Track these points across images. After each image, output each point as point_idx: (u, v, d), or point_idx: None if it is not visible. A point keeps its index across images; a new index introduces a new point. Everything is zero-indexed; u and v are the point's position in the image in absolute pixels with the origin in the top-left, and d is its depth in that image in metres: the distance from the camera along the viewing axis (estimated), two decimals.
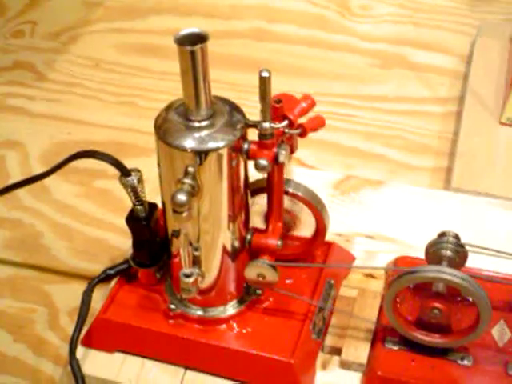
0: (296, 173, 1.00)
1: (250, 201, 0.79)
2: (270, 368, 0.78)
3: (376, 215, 0.96)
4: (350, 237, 0.93)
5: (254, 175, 0.76)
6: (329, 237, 0.90)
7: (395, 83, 1.21)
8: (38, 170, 0.84)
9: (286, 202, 0.81)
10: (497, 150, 1.04)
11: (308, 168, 1.07)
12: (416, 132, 1.13)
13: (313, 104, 0.73)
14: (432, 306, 0.75)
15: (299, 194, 0.79)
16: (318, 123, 0.75)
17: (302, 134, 0.74)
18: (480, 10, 1.32)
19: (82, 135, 1.14)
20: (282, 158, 0.71)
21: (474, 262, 0.82)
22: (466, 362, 0.77)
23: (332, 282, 0.84)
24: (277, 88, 1.16)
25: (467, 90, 1.14)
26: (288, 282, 0.84)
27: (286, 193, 0.79)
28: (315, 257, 0.86)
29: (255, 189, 0.79)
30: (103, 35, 1.33)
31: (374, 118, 1.16)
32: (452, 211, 0.96)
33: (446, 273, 0.72)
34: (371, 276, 0.87)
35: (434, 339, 0.76)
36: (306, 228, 0.85)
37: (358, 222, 0.95)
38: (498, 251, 0.80)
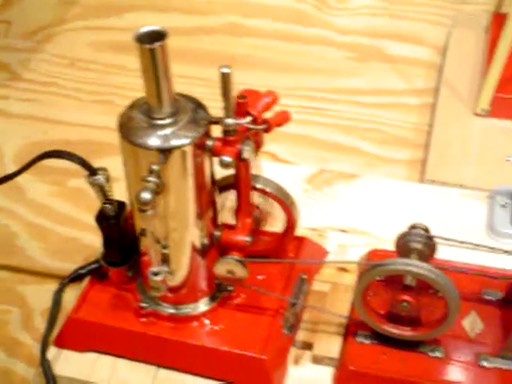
0: (269, 168, 0.99)
1: (221, 197, 0.79)
2: (242, 364, 0.77)
3: (350, 209, 0.96)
4: (323, 231, 0.93)
5: (223, 172, 0.75)
6: (302, 231, 0.90)
7: (371, 76, 1.21)
8: (13, 170, 0.83)
9: (257, 197, 0.81)
10: (471, 141, 1.04)
11: (283, 163, 1.07)
12: (392, 124, 1.13)
13: (275, 99, 0.72)
14: (401, 298, 0.75)
15: (268, 189, 0.79)
16: (283, 118, 0.75)
17: (267, 130, 0.74)
18: (456, 1, 1.32)
19: (58, 135, 1.14)
20: (245, 154, 0.71)
21: (445, 253, 0.82)
22: (437, 354, 0.77)
23: (304, 276, 0.84)
24: (252, 83, 1.16)
25: (442, 82, 1.14)
26: (260, 277, 0.84)
27: (255, 189, 0.79)
28: (287, 252, 0.85)
29: (224, 185, 0.79)
30: (79, 33, 1.32)
31: (351, 111, 1.16)
32: (426, 203, 0.96)
33: (414, 265, 0.72)
34: (344, 270, 0.87)
35: (404, 332, 0.76)
36: (277, 223, 0.84)
37: (331, 216, 0.95)
38: (468, 242, 0.79)
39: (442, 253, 0.82)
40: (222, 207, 0.83)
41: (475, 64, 1.15)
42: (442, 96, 1.11)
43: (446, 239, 0.78)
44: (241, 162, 0.72)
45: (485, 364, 0.76)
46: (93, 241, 0.96)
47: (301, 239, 0.87)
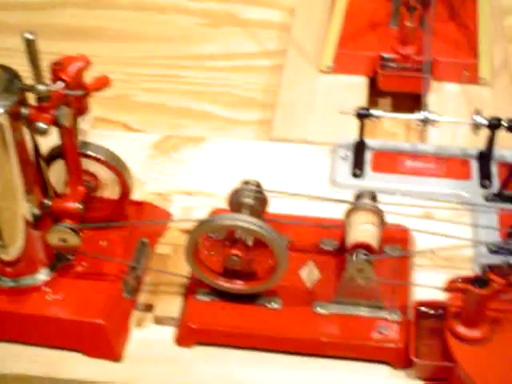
0: (116, 137, 1.00)
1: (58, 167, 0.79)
2: (83, 331, 0.78)
3: (196, 172, 0.96)
4: (168, 195, 0.93)
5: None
6: (147, 197, 0.91)
7: (224, 41, 1.22)
8: None
9: (94, 165, 0.81)
10: (316, 98, 1.06)
11: (134, 132, 1.07)
12: (244, 87, 1.14)
13: (88, 63, 0.72)
14: (230, 253, 0.76)
15: (99, 156, 0.79)
16: (102, 83, 0.75)
17: (86, 95, 0.74)
18: None
19: None
20: (62, 120, 0.71)
21: (287, 207, 0.84)
22: (274, 305, 0.79)
23: (145, 240, 0.85)
24: (105, 55, 1.16)
25: (290, 42, 1.15)
26: (102, 244, 0.84)
27: (86, 156, 0.79)
28: (128, 217, 0.85)
29: (53, 155, 0.79)
30: None
31: (203, 76, 1.16)
32: (272, 161, 0.98)
33: (239, 219, 0.73)
34: (187, 232, 0.87)
35: (238, 286, 0.78)
36: (114, 190, 0.85)
37: (177, 180, 0.95)
38: (299, 194, 0.81)
39: (284, 207, 0.85)
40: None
41: (322, 23, 1.17)
42: (290, 56, 1.13)
43: (277, 192, 0.80)
44: (60, 128, 0.72)
45: (320, 311, 0.78)
46: None
47: (141, 204, 0.87)
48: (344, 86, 1.07)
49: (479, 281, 0.71)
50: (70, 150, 0.76)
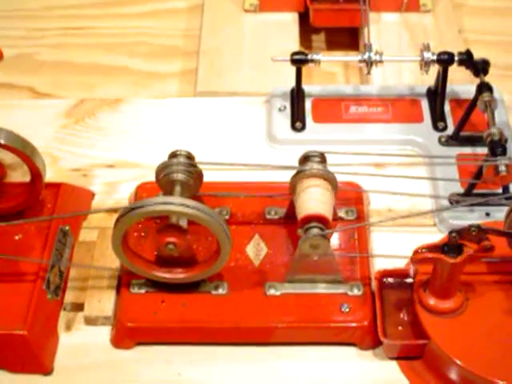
0: (22, 106, 0.90)
1: None
2: (3, 345, 0.67)
3: (116, 140, 0.86)
4: (87, 170, 0.83)
5: None
6: (64, 175, 0.81)
7: None
8: None
9: None
10: (243, 42, 0.95)
11: (43, 97, 0.94)
12: (161, 34, 1.02)
13: None
14: (165, 241, 0.66)
15: (1, 141, 0.68)
16: None
17: None
18: None
19: None
20: None
21: (219, 173, 0.74)
22: (220, 291, 0.70)
23: (66, 228, 0.74)
24: None
25: None
26: (16, 238, 0.73)
27: None
28: (44, 203, 0.75)
29: None
30: None
31: (113, 25, 1.04)
32: (200, 119, 0.87)
33: (174, 204, 0.63)
34: (115, 211, 0.77)
35: (178, 275, 0.68)
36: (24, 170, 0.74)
37: (96, 151, 0.85)
38: (235, 164, 0.72)
39: (219, 173, 0.74)
40: None
41: None
42: None
43: (213, 164, 0.70)
44: None
45: (272, 292, 0.69)
46: None
47: (57, 186, 0.76)
48: (273, 26, 0.97)
49: (450, 248, 0.62)
50: None
